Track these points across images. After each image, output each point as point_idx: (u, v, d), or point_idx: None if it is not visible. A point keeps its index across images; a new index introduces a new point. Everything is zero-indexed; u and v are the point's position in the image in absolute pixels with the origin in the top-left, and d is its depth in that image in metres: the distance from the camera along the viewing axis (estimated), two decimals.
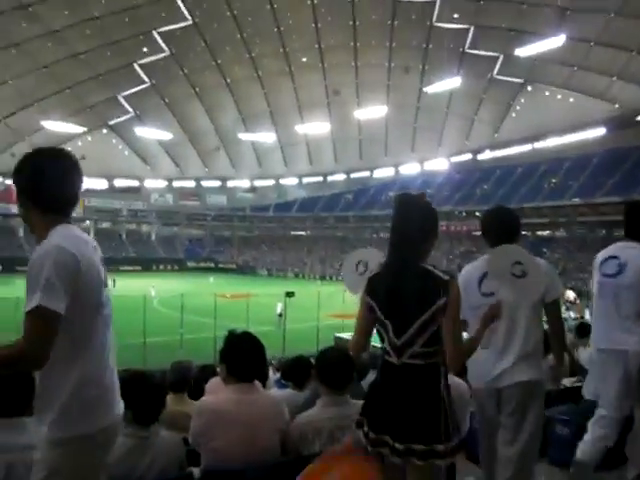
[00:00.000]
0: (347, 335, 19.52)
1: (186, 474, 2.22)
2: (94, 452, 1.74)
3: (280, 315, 21.84)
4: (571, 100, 49.72)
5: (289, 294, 21.15)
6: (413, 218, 2.12)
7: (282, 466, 2.34)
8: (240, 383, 2.37)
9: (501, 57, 49.58)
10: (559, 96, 50.67)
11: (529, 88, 53.20)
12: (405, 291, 1.99)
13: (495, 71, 52.01)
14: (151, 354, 15.32)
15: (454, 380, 2.59)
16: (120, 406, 1.87)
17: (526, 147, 55.45)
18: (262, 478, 2.26)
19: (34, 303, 1.57)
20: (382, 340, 2.08)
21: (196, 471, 2.25)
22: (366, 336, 2.21)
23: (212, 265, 68.71)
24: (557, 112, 48.97)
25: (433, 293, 1.96)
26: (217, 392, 2.50)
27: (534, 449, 2.70)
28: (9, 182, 62.87)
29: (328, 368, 2.54)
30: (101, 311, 1.80)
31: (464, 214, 58.82)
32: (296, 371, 3.65)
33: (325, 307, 23.50)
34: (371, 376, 5.84)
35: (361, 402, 2.63)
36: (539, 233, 53.80)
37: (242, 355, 2.42)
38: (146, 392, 2.23)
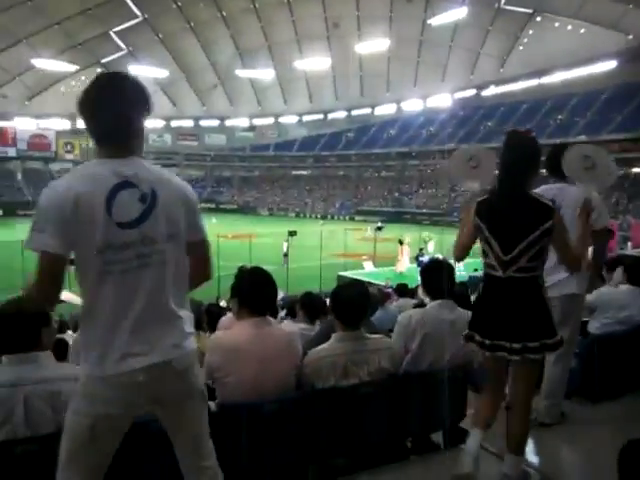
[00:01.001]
0: (350, 274, 19.76)
1: None
2: (104, 392, 1.69)
3: (285, 255, 21.97)
4: (582, 31, 47.76)
5: (291, 233, 21.20)
6: (522, 152, 2.39)
7: (298, 400, 2.34)
8: (253, 317, 2.33)
9: None
10: (569, 27, 48.66)
11: (538, 19, 51.01)
12: (514, 214, 2.31)
13: (503, 0, 49.76)
14: None
15: None
16: (149, 357, 1.72)
17: (532, 82, 53.79)
18: (278, 411, 2.26)
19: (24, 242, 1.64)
20: (485, 256, 2.39)
21: (212, 405, 2.24)
22: (468, 248, 2.49)
23: (213, 206, 68.54)
24: (566, 44, 47.12)
25: (540, 217, 2.28)
26: (230, 327, 2.47)
27: (570, 351, 3.17)
28: (3, 124, 61.88)
29: (344, 303, 2.53)
30: (100, 254, 1.64)
31: None
32: (308, 306, 3.63)
33: (327, 247, 23.60)
34: (380, 313, 5.89)
35: (375, 337, 2.62)
36: (543, 171, 53.20)
37: (254, 288, 2.37)
38: None
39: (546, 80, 52.49)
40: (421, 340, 2.76)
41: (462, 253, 2.50)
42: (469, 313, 2.87)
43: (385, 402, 2.57)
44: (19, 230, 36.20)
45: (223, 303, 11.45)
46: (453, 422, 2.95)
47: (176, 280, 1.79)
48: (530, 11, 50.23)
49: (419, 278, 3.47)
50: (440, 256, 17.72)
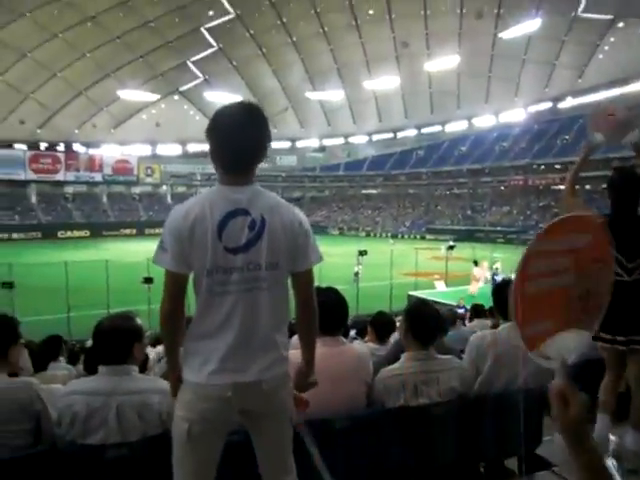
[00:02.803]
0: (421, 293, 19.45)
1: None
2: (198, 400, 1.83)
3: (356, 274, 21.97)
4: None
5: (362, 252, 21.18)
6: (630, 185, 2.96)
7: (369, 418, 2.37)
8: (325, 336, 2.39)
9: None
10: None
11: (620, 25, 48.59)
12: (632, 231, 2.85)
13: (580, 9, 47.88)
14: None
15: None
16: (243, 376, 1.83)
17: (614, 91, 51.05)
18: (350, 428, 2.30)
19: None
20: None
21: None
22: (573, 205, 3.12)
23: None
24: None
25: None
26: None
27: None
28: (92, 152, 66.55)
29: (418, 322, 2.53)
30: (209, 275, 1.78)
31: (542, 167, 55.83)
32: (379, 325, 3.64)
33: (397, 266, 23.39)
34: (452, 333, 5.78)
35: (446, 357, 2.61)
36: None
37: (327, 308, 2.42)
38: None
39: (630, 89, 49.68)
40: (493, 362, 2.72)
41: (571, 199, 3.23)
42: None
43: (456, 423, 2.54)
44: (103, 250, 38.66)
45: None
46: (529, 448, 2.85)
47: (275, 306, 1.90)
48: (611, 17, 47.96)
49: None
50: (513, 276, 17.13)
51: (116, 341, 2.14)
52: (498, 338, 2.76)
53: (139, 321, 2.25)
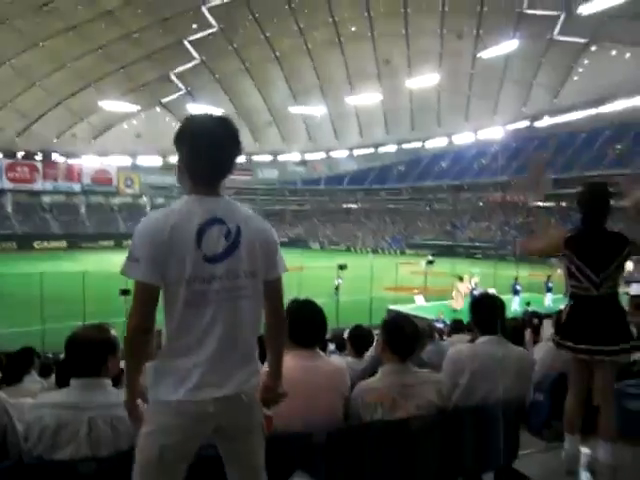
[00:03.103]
0: (401, 307, 19.52)
1: None
2: (176, 420, 1.74)
3: (337, 288, 21.97)
4: None
5: (341, 267, 21.19)
6: (600, 200, 3.05)
7: (346, 432, 2.35)
8: (302, 349, 2.37)
9: (562, 16, 46.73)
10: (627, 55, 47.48)
11: (593, 48, 50.04)
12: (601, 245, 2.95)
13: (556, 31, 49.19)
14: None
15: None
16: (222, 389, 1.78)
17: (589, 112, 52.39)
18: (327, 442, 2.27)
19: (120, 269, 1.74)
20: (576, 280, 2.99)
21: None
22: (544, 253, 3.45)
23: None
24: (624, 73, 45.87)
25: (621, 245, 2.93)
26: None
27: None
28: (71, 161, 65.75)
29: (395, 335, 2.53)
30: (187, 286, 1.73)
31: None
32: (357, 339, 3.64)
33: (378, 280, 23.46)
34: (430, 347, 5.81)
35: (424, 371, 2.61)
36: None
37: (304, 321, 2.41)
38: None
39: (604, 109, 51.07)
40: (470, 375, 2.73)
41: (540, 253, 3.36)
42: (520, 349, 2.84)
43: (435, 437, 2.54)
44: (80, 261, 38.03)
45: None
46: (506, 462, 2.86)
47: (253, 315, 1.88)
48: (585, 41, 49.38)
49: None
50: (491, 290, 17.23)
51: (89, 353, 2.08)
52: (475, 352, 2.78)
53: (114, 333, 2.20)
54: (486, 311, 2.89)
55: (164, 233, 1.70)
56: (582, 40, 49.27)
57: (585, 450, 3.13)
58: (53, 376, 4.74)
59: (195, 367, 1.75)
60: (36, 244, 55.01)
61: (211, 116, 1.89)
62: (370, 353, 3.61)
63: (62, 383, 3.44)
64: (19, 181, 61.96)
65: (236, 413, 1.84)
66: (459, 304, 20.62)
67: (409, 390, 2.47)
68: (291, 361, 2.36)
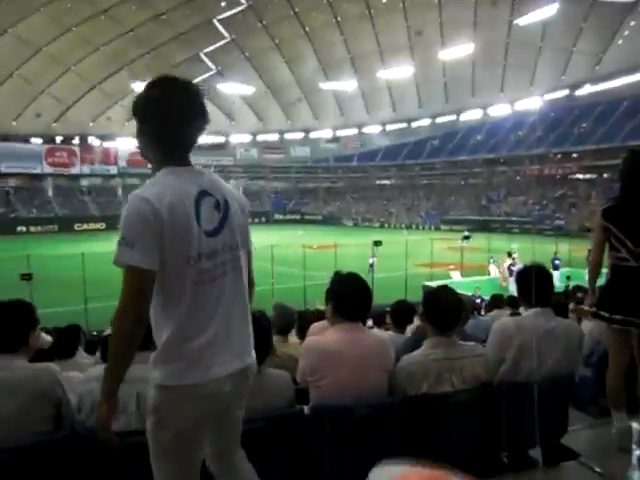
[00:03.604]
0: (436, 284, 19.33)
1: (297, 411, 2.26)
2: (193, 403, 1.69)
3: (371, 265, 21.89)
4: None
5: (377, 243, 21.07)
6: (634, 169, 2.96)
7: (390, 405, 2.33)
8: (347, 322, 2.35)
9: None
10: None
11: None
12: None
13: None
14: None
15: None
16: (234, 364, 1.76)
17: (633, 77, 49.96)
18: (371, 416, 2.26)
19: (113, 258, 1.59)
20: (617, 251, 2.94)
21: (305, 409, 2.28)
22: (602, 252, 3.04)
23: (298, 217, 69.94)
24: None
25: None
26: (323, 333, 2.50)
27: None
28: (107, 144, 67.08)
29: (438, 309, 2.48)
30: (195, 264, 1.64)
31: (559, 156, 55.02)
32: (398, 314, 3.60)
33: (412, 256, 23.26)
34: (471, 322, 5.73)
35: (469, 344, 2.56)
36: None
37: (350, 293, 2.38)
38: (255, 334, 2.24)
39: None
40: (517, 349, 2.66)
41: (597, 260, 3.08)
42: (569, 321, 2.75)
43: (480, 412, 2.49)
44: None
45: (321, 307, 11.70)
46: (553, 438, 2.80)
47: (246, 286, 1.86)
48: (631, 0, 46.78)
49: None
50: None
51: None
52: (522, 325, 2.70)
53: None
54: (536, 282, 2.79)
55: (161, 212, 1.58)
56: (627, 0, 46.75)
57: (636, 425, 3.03)
58: (98, 354, 4.89)
59: (207, 346, 1.68)
60: (76, 226, 56.65)
61: (174, 80, 1.76)
62: (413, 326, 3.56)
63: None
64: (58, 165, 63.64)
65: (244, 384, 1.83)
66: (504, 281, 20.16)
67: (455, 363, 2.43)
68: (336, 334, 2.35)
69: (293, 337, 4.30)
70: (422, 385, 2.39)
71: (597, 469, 2.72)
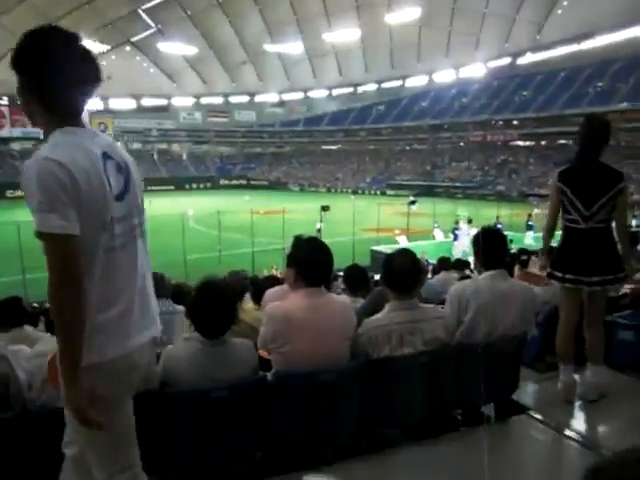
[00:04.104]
0: (383, 248, 19.65)
1: (260, 378, 2.23)
2: (114, 378, 1.61)
3: (319, 230, 21.96)
4: None
5: (324, 208, 21.14)
6: (597, 132, 3.08)
7: (353, 369, 2.33)
8: (309, 288, 2.31)
9: None
10: None
11: None
12: (594, 178, 3.00)
13: None
14: (192, 271, 15.72)
15: None
16: (150, 330, 1.71)
17: (571, 48, 51.54)
18: (334, 381, 2.26)
19: (34, 227, 1.45)
20: (568, 213, 3.07)
21: (267, 376, 2.26)
22: (557, 213, 3.15)
23: (244, 182, 68.99)
24: (609, 6, 44.69)
25: (614, 179, 2.98)
26: (282, 299, 2.45)
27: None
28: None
29: (397, 272, 2.48)
30: (110, 228, 1.56)
31: (501, 123, 56.52)
32: (352, 278, 3.61)
33: (359, 222, 23.49)
34: (433, 281, 5.85)
35: (429, 306, 2.59)
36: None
37: (313, 258, 2.34)
38: (220, 304, 2.18)
39: (587, 45, 50.27)
40: (475, 311, 2.71)
41: (552, 223, 3.21)
42: (524, 284, 2.83)
43: (439, 372, 2.54)
44: (12, 212, 37.13)
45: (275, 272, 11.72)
46: (505, 395, 2.91)
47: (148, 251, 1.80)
48: None
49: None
50: (473, 230, 17.30)
51: None
52: (480, 287, 2.76)
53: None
54: (492, 245, 2.84)
55: (77, 176, 1.46)
56: None
57: (576, 377, 3.22)
58: (41, 325, 4.66)
59: (124, 315, 1.61)
60: (9, 193, 53.57)
61: (58, 30, 1.60)
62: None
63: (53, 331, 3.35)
64: None
65: (153, 354, 1.82)
66: (460, 246, 20.02)
67: (416, 326, 2.45)
68: (298, 299, 2.31)
69: (248, 303, 4.25)
70: (384, 348, 2.41)
71: (545, 421, 2.86)
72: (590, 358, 3.18)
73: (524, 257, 5.94)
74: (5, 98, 60.45)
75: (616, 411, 3.15)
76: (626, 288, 4.48)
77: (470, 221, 21.52)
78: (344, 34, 61.86)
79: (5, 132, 61.40)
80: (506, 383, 2.85)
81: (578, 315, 3.21)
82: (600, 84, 48.88)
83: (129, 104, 68.70)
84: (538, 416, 2.90)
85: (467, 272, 7.09)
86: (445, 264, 7.17)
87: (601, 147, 3.05)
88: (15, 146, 63.14)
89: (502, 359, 2.73)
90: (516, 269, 5.77)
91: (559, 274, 3.12)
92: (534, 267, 5.71)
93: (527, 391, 3.31)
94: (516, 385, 2.90)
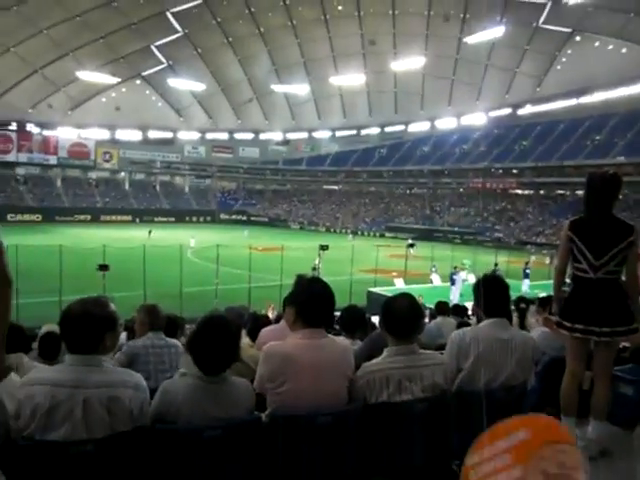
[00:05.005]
0: (380, 290, 19.57)
1: (255, 418, 2.16)
2: None
3: (314, 269, 21.90)
4: (623, 51, 47.06)
5: (323, 247, 21.14)
6: (607, 187, 3.07)
7: (349, 413, 2.27)
8: (308, 328, 2.28)
9: (549, 4, 46.94)
10: (610, 46, 47.96)
11: (577, 38, 50.47)
12: (605, 230, 2.99)
13: (541, 19, 49.39)
14: (187, 303, 15.60)
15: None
16: None
17: (570, 102, 52.92)
18: (332, 424, 2.19)
19: None
20: (578, 262, 3.07)
21: (263, 417, 2.20)
22: (567, 262, 3.17)
23: (244, 218, 69.30)
24: (607, 64, 46.37)
25: (625, 232, 2.96)
26: (279, 338, 2.41)
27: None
28: (47, 133, 64.04)
29: (397, 316, 2.44)
30: None
31: (500, 171, 57.32)
32: (349, 320, 3.57)
33: (357, 262, 23.48)
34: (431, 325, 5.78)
35: (428, 352, 2.55)
36: (579, 192, 52.17)
37: (314, 299, 2.31)
38: (223, 341, 2.12)
39: (585, 100, 51.60)
40: (474, 359, 2.67)
41: (561, 270, 3.21)
42: (524, 333, 2.80)
43: (438, 420, 2.48)
44: (56, 235, 37.23)
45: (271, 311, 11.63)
46: None
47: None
48: (569, 30, 49.73)
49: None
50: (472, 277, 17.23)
51: (86, 329, 1.94)
52: (480, 335, 2.72)
53: (113, 307, 2.06)
54: (494, 293, 2.81)
55: None
56: (567, 29, 49.55)
57: (577, 432, 3.14)
58: (32, 352, 4.57)
59: None
60: (10, 217, 53.72)
61: None
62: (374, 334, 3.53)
63: (47, 356, 3.30)
64: None
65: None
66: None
67: (415, 372, 2.41)
68: (297, 339, 2.28)
69: (244, 339, 4.19)
70: (382, 393, 2.35)
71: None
72: (594, 413, 3.11)
73: (523, 305, 5.90)
74: (14, 124, 61.36)
75: (615, 468, 3.07)
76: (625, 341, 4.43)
77: (471, 271, 21.61)
78: (350, 78, 63.42)
79: (11, 157, 62.00)
80: None
81: (585, 367, 3.17)
82: (598, 137, 49.89)
83: (135, 135, 69.74)
84: None
85: (465, 319, 7.04)
86: (443, 309, 7.11)
87: (610, 202, 3.06)
88: (20, 170, 63.67)
89: (502, 409, 2.67)
90: (514, 317, 5.73)
91: (568, 324, 3.08)
92: (531, 316, 5.67)
93: None
94: None
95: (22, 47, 52.85)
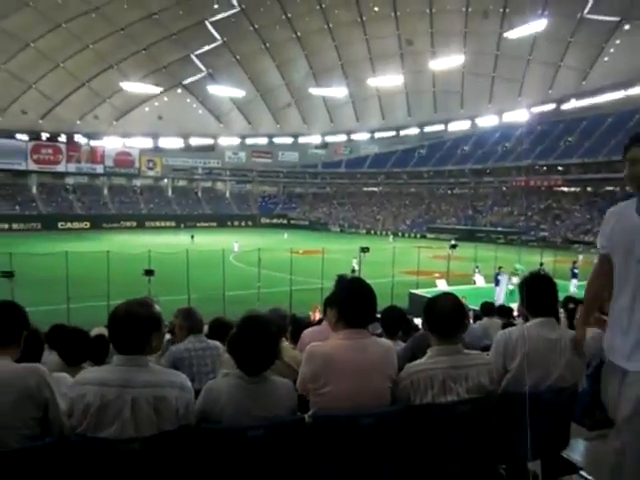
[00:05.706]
0: (422, 291, 19.35)
1: (298, 419, 2.17)
2: None
3: (353, 271, 21.85)
4: None
5: (364, 249, 21.09)
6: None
7: (393, 414, 2.25)
8: (351, 328, 2.27)
9: None
10: None
11: (626, 27, 48.43)
12: None
13: (586, 10, 47.72)
14: (230, 307, 15.83)
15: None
16: None
17: (618, 94, 50.89)
18: (375, 425, 2.17)
19: None
20: None
21: (305, 417, 2.20)
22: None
23: (284, 221, 69.86)
24: None
25: None
26: (321, 339, 2.41)
27: None
28: (93, 143, 66.40)
29: (439, 315, 2.40)
30: None
31: (544, 168, 55.73)
32: (389, 320, 3.53)
33: (398, 264, 23.30)
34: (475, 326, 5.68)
35: (474, 352, 2.49)
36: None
37: (356, 299, 2.30)
38: (263, 341, 2.14)
39: (634, 91, 49.51)
40: (521, 359, 2.59)
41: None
42: (573, 333, 2.70)
43: (483, 422, 2.42)
44: (104, 241, 38.48)
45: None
46: (553, 451, 2.74)
47: None
48: (617, 19, 47.78)
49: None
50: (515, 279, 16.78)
51: (133, 329, 1.99)
52: (528, 334, 2.64)
53: (158, 308, 2.11)
54: (542, 291, 2.72)
55: None
56: (614, 18, 47.68)
57: None
58: (51, 356, 4.72)
59: None
60: (60, 225, 55.94)
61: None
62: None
63: (96, 360, 3.41)
64: (43, 163, 62.85)
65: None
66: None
67: (460, 372, 2.35)
68: (339, 340, 2.27)
69: (285, 341, 4.21)
70: (427, 394, 2.31)
71: None
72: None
73: (571, 305, 5.70)
74: (63, 135, 63.92)
75: None
76: None
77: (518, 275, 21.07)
78: (388, 79, 63.02)
79: (61, 167, 64.58)
80: (555, 438, 2.69)
81: None
82: None
83: (177, 143, 71.43)
84: (590, 478, 2.71)
85: (511, 320, 6.87)
86: (489, 309, 6.97)
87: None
88: (69, 180, 66.25)
89: (551, 412, 2.58)
90: (562, 317, 5.55)
91: None
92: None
93: (577, 449, 3.10)
94: (566, 442, 2.73)
95: (70, 62, 55.09)
